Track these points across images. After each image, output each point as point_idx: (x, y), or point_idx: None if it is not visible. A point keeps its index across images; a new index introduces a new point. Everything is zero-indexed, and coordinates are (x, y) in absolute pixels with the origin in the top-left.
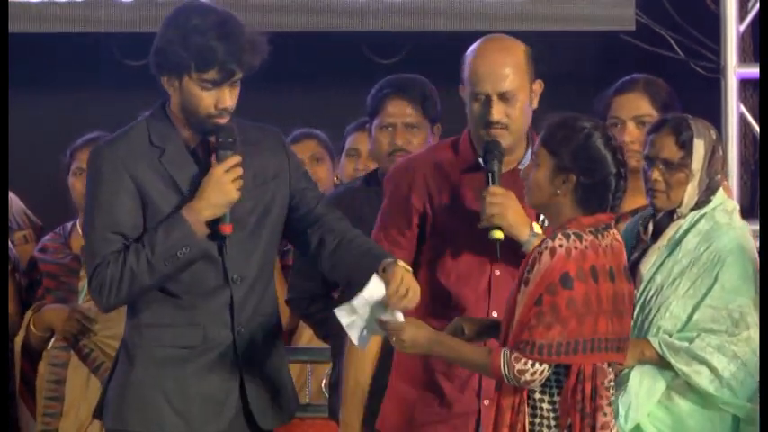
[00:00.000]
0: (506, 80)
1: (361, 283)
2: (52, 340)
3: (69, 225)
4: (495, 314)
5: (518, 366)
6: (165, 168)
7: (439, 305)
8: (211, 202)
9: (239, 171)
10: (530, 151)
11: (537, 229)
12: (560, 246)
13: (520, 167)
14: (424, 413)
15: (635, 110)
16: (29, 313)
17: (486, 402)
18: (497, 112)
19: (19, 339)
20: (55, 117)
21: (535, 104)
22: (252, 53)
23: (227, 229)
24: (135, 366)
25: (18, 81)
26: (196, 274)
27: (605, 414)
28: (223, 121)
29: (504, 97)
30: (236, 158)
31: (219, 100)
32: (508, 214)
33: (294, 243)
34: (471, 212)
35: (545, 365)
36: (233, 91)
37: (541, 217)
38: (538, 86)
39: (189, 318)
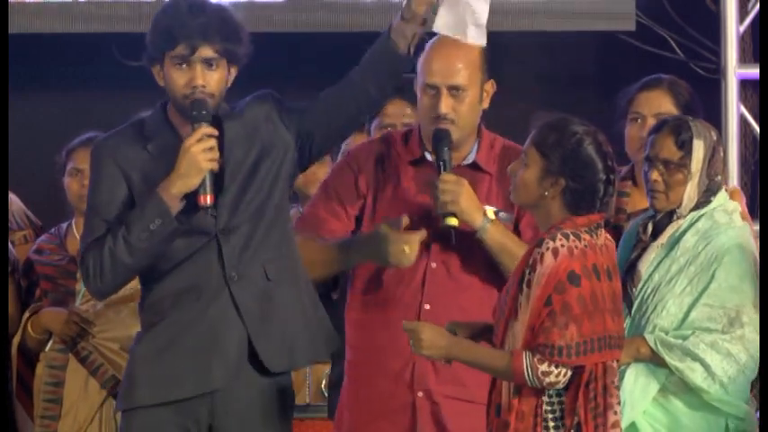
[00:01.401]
0: (458, 74)
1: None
2: (50, 342)
3: (65, 226)
4: (427, 307)
5: (542, 368)
6: (151, 154)
7: (375, 298)
8: (180, 173)
9: (211, 142)
10: (476, 147)
11: (490, 214)
12: (562, 245)
13: (464, 164)
14: (364, 411)
15: (657, 107)
16: (26, 315)
17: (419, 395)
18: (445, 105)
19: (16, 341)
20: (55, 117)
21: (486, 104)
22: (224, 34)
23: (204, 199)
24: (139, 345)
25: (18, 81)
26: (186, 235)
27: (616, 413)
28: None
29: (453, 91)
30: (207, 129)
31: (192, 78)
32: (461, 200)
33: (328, 130)
34: (413, 205)
35: (568, 367)
36: (210, 72)
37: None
38: (490, 86)
39: (183, 280)
